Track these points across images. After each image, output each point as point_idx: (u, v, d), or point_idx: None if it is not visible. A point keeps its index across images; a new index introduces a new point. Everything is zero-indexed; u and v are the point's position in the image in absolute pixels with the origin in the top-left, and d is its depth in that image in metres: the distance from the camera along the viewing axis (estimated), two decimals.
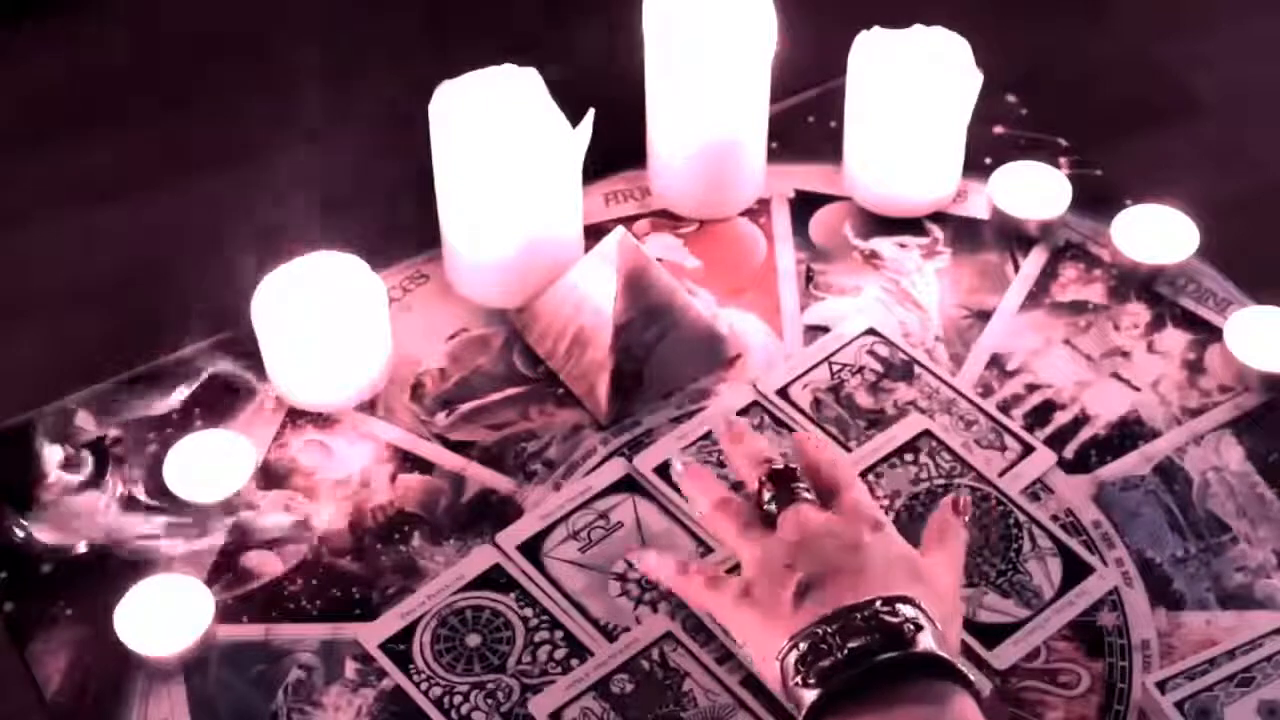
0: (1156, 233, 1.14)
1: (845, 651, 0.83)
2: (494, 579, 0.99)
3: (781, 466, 0.94)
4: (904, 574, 0.87)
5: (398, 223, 1.17)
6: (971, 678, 0.83)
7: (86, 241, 1.43)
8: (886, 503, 1.01)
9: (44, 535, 1.00)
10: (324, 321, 1.05)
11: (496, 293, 1.12)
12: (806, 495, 0.93)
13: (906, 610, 0.84)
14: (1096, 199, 1.17)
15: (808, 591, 0.86)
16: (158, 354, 1.09)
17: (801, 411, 1.07)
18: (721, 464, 1.03)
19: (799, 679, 0.84)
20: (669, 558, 0.96)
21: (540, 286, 1.10)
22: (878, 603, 0.84)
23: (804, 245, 1.17)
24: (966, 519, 0.94)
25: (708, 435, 1.05)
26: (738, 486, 0.99)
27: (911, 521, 1.00)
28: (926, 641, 0.83)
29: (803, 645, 0.84)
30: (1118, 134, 1.42)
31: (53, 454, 1.03)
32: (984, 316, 1.12)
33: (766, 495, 0.93)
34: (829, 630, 0.84)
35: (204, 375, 1.08)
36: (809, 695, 0.83)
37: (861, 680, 0.82)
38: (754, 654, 0.90)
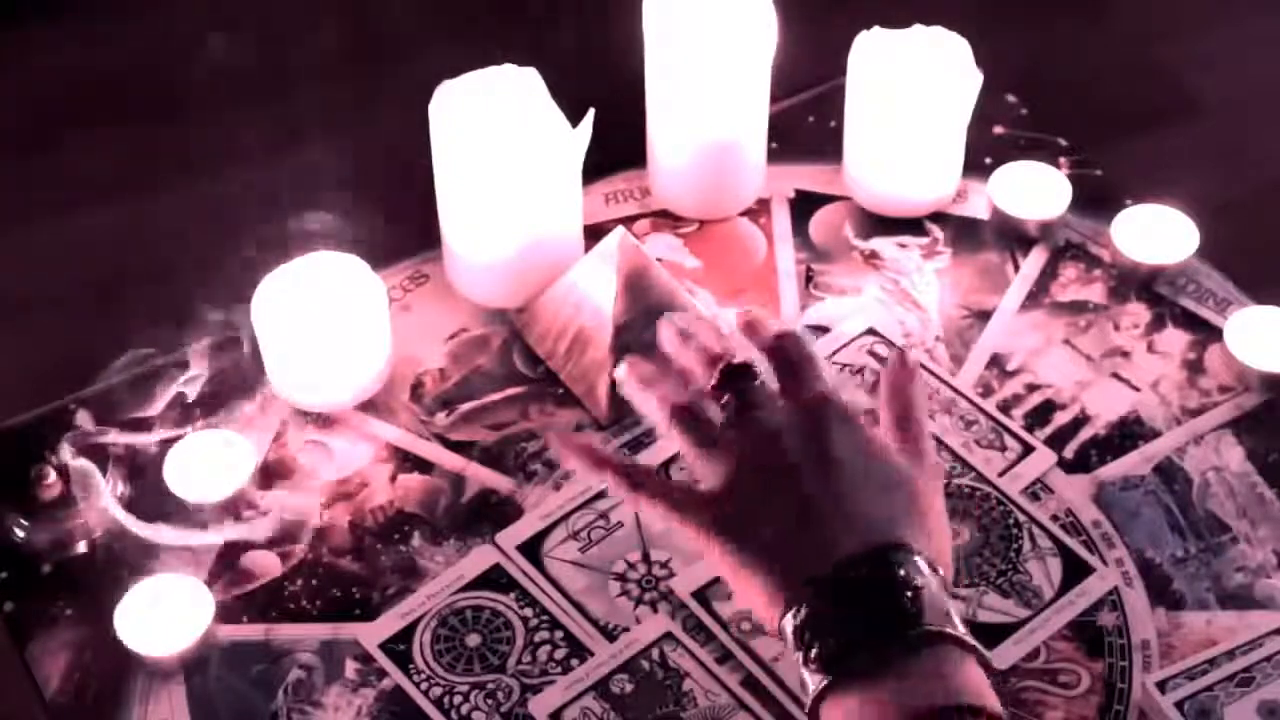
0: (1156, 233, 1.14)
1: (843, 633, 0.77)
2: (494, 579, 0.99)
3: (734, 362, 0.86)
4: (889, 497, 0.80)
5: (398, 223, 1.17)
6: (971, 642, 0.77)
7: (86, 241, 1.43)
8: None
9: (44, 535, 1.00)
10: (324, 321, 1.05)
11: (496, 293, 1.12)
12: (763, 394, 0.85)
13: (901, 565, 0.78)
14: (1096, 199, 1.17)
15: (786, 530, 0.80)
16: (158, 354, 1.09)
17: None
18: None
19: (800, 657, 0.78)
20: (615, 463, 0.86)
21: (540, 286, 1.10)
22: (865, 568, 0.77)
23: (804, 245, 1.17)
24: (914, 371, 0.86)
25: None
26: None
27: None
28: (929, 605, 0.77)
29: (801, 612, 0.78)
30: (1118, 134, 1.42)
31: (52, 454, 1.03)
32: (984, 316, 1.12)
33: (724, 398, 0.86)
34: (824, 601, 0.77)
35: (204, 375, 1.08)
36: (812, 680, 0.78)
37: (864, 666, 0.77)
38: (733, 588, 0.83)
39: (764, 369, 0.87)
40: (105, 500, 1.01)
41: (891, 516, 0.81)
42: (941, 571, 0.80)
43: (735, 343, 0.90)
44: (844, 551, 0.78)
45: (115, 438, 1.05)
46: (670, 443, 1.03)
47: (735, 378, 0.86)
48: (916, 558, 0.79)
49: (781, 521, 0.80)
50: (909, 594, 0.77)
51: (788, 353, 0.87)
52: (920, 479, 0.83)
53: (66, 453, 1.03)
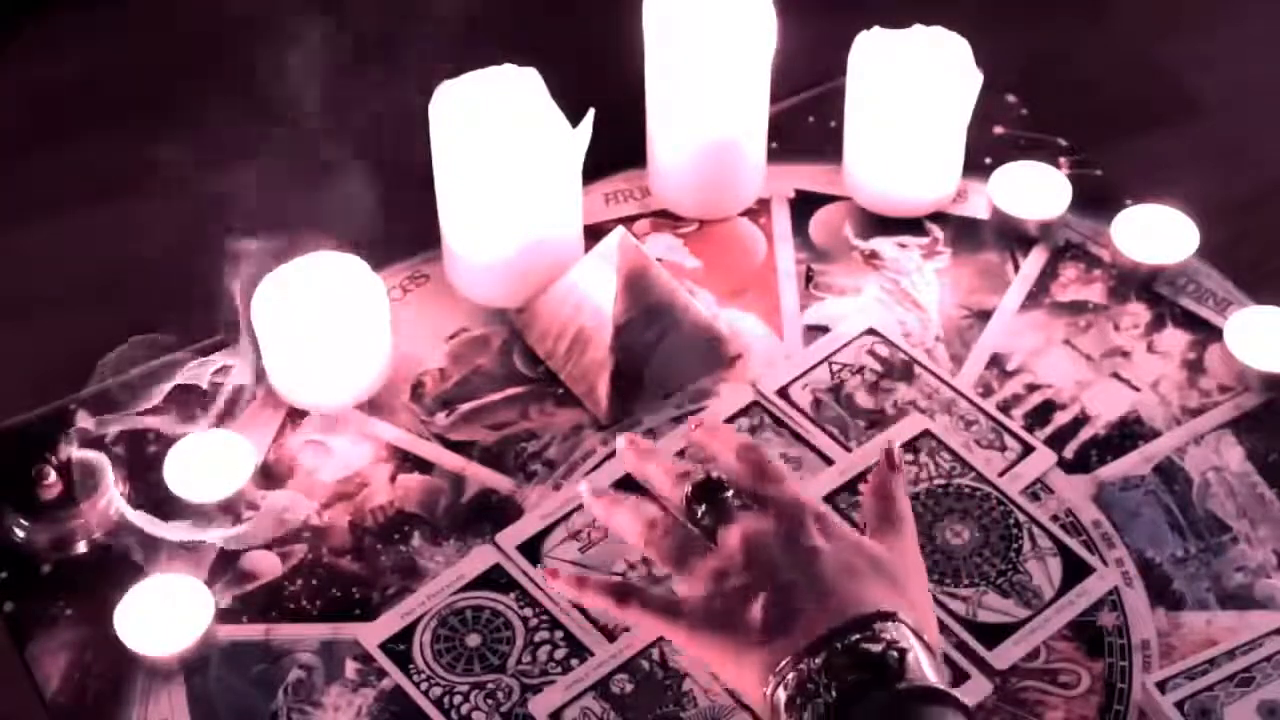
0: (1156, 233, 1.14)
1: (834, 694, 0.79)
2: (494, 579, 0.99)
3: (704, 477, 0.89)
4: (866, 574, 0.83)
5: (398, 223, 1.17)
6: (965, 702, 0.80)
7: (86, 241, 1.43)
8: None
9: (44, 535, 1.00)
10: (324, 321, 1.05)
11: (496, 293, 1.12)
12: (738, 503, 0.88)
13: (887, 631, 0.80)
14: (1096, 199, 1.17)
15: (774, 613, 0.82)
16: (157, 354, 1.09)
17: (801, 411, 1.07)
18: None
19: None
20: (598, 581, 0.89)
21: (540, 286, 1.10)
22: (855, 634, 0.80)
23: (804, 245, 1.17)
24: (900, 469, 0.89)
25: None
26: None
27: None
28: (913, 664, 0.80)
29: (791, 682, 0.80)
30: (1118, 134, 1.42)
31: (52, 454, 1.03)
32: (984, 316, 1.12)
33: (699, 511, 0.88)
34: (812, 667, 0.80)
35: (204, 375, 1.08)
36: None
37: None
38: (729, 681, 0.87)
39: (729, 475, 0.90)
40: (111, 493, 1.01)
41: (877, 595, 0.83)
42: (927, 638, 0.82)
43: (690, 453, 0.95)
44: (830, 625, 0.81)
45: (115, 437, 1.05)
46: (671, 441, 1.04)
47: (707, 491, 0.88)
48: (902, 625, 0.81)
49: (769, 610, 0.82)
50: (895, 654, 0.80)
51: (753, 460, 0.90)
52: (900, 565, 0.86)
53: (73, 443, 1.03)
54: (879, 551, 0.86)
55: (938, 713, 0.79)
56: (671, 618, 0.85)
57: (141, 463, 1.04)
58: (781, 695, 0.80)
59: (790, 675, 0.80)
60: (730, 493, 0.88)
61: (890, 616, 0.81)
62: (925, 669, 0.80)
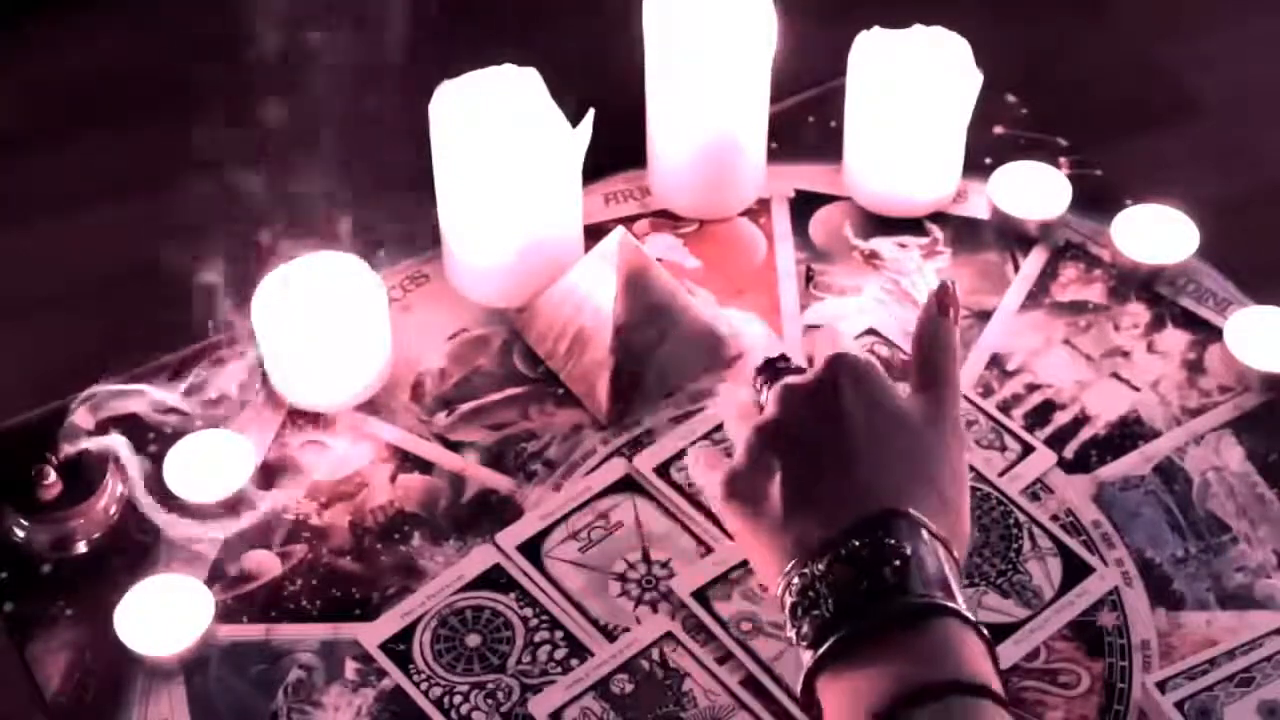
0: (1156, 233, 1.14)
1: (831, 606, 0.75)
2: (494, 579, 0.99)
3: (774, 354, 0.90)
4: (894, 459, 0.79)
5: (398, 223, 1.17)
6: (970, 615, 0.76)
7: (86, 241, 1.43)
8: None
9: (44, 535, 1.00)
10: (324, 321, 1.05)
11: (496, 293, 1.12)
12: (793, 373, 0.87)
13: (897, 532, 0.76)
14: (1096, 199, 1.17)
15: (790, 492, 0.79)
16: (157, 354, 1.09)
17: None
18: (729, 455, 1.03)
19: (794, 633, 0.78)
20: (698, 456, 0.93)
21: (540, 286, 1.10)
22: (861, 538, 0.76)
23: (804, 245, 1.17)
24: (957, 309, 0.84)
25: (708, 435, 1.05)
26: None
27: None
28: (923, 576, 0.76)
29: (795, 586, 0.77)
30: (1118, 134, 1.42)
31: (53, 454, 1.03)
32: (984, 316, 1.12)
33: (758, 384, 0.90)
34: (816, 573, 0.76)
35: (204, 375, 1.08)
36: (805, 656, 0.77)
37: (852, 638, 0.75)
38: (755, 566, 0.84)
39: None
40: (105, 500, 1.01)
41: (897, 483, 0.79)
42: (944, 532, 0.78)
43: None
44: (842, 520, 0.77)
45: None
46: (671, 441, 1.04)
47: (768, 365, 0.90)
48: (917, 527, 0.77)
49: (789, 489, 0.80)
50: (897, 563, 0.76)
51: (818, 340, 0.91)
52: (936, 441, 0.81)
53: (66, 452, 1.03)
54: (913, 423, 0.81)
55: (940, 626, 0.75)
56: (710, 484, 0.85)
57: (141, 462, 1.04)
58: (788, 600, 0.78)
59: (795, 579, 0.78)
60: (793, 367, 0.87)
61: (907, 517, 0.77)
62: (929, 574, 0.76)
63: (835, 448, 0.80)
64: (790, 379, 0.85)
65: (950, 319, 0.84)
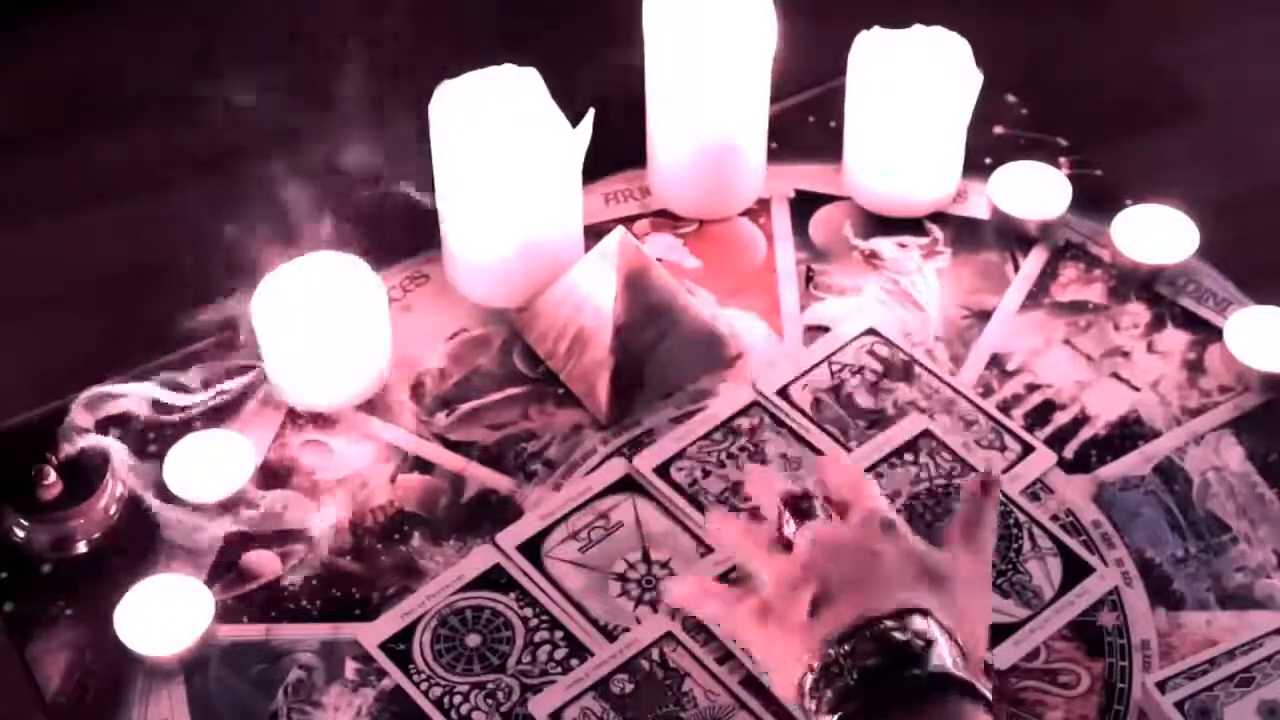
0: (1156, 233, 1.14)
1: (855, 675, 0.81)
2: (494, 579, 0.99)
3: (798, 491, 0.93)
4: (915, 578, 0.85)
5: (399, 222, 1.17)
6: (985, 692, 0.82)
7: (87, 241, 1.43)
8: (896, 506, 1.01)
9: (44, 535, 1.00)
10: (324, 321, 1.05)
11: (496, 293, 1.12)
12: (820, 513, 0.91)
13: (916, 623, 0.82)
14: (1096, 199, 1.17)
15: (821, 606, 0.85)
16: (157, 354, 1.09)
17: (801, 411, 1.07)
18: (722, 464, 1.03)
19: (814, 704, 0.82)
20: (689, 580, 0.94)
21: (540, 286, 1.10)
22: (886, 621, 0.82)
23: (804, 245, 1.17)
24: (998, 492, 0.92)
25: (708, 435, 1.05)
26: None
27: (911, 521, 1.00)
28: (939, 657, 0.81)
29: (816, 667, 0.83)
30: (1118, 134, 1.42)
31: (53, 454, 1.03)
32: (984, 316, 1.12)
33: (785, 518, 0.92)
34: (841, 651, 0.82)
35: (204, 375, 1.08)
36: None
37: (873, 706, 0.81)
38: (772, 674, 0.88)
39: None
40: (105, 500, 1.01)
41: (918, 595, 0.85)
42: (963, 644, 0.83)
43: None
44: (864, 614, 0.83)
45: (115, 437, 1.05)
46: (671, 441, 1.04)
47: (795, 502, 0.92)
48: (934, 622, 0.83)
49: (815, 600, 0.85)
50: (919, 642, 0.82)
51: (841, 482, 0.93)
52: (963, 591, 0.87)
53: (66, 452, 1.03)
54: (939, 562, 0.87)
55: (954, 700, 0.81)
56: (735, 613, 0.89)
57: (141, 463, 1.04)
58: (808, 681, 0.83)
59: (818, 661, 0.82)
60: (818, 504, 0.91)
61: (925, 613, 0.83)
62: (946, 660, 0.81)
63: (863, 575, 0.86)
64: (822, 525, 0.90)
65: (992, 499, 0.92)
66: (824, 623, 0.84)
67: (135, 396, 1.06)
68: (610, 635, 0.96)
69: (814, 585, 0.85)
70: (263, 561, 1.00)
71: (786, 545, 0.90)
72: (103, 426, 1.05)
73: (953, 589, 0.86)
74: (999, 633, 0.96)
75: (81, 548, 1.01)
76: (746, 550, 0.92)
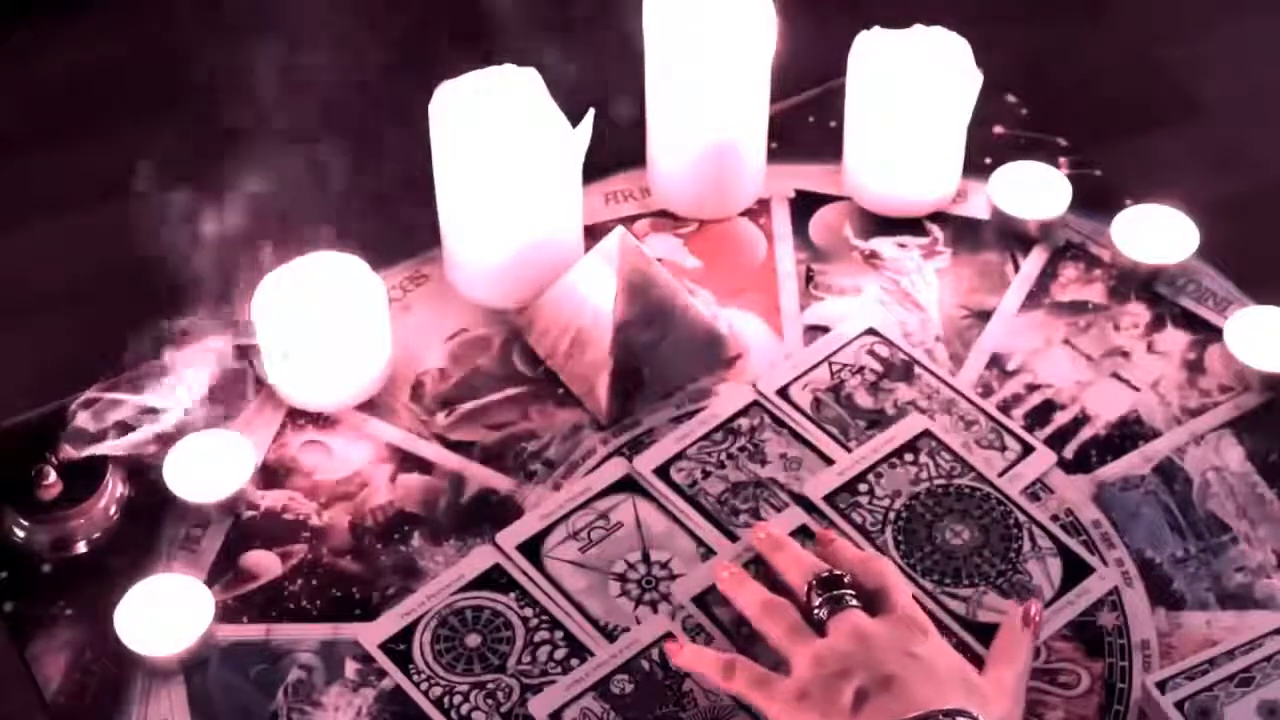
0: (1156, 233, 1.14)
1: None
2: (494, 579, 0.99)
3: (829, 574, 0.93)
4: (957, 686, 0.87)
5: (398, 223, 1.17)
6: None
7: (86, 241, 1.43)
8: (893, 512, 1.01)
9: (44, 535, 1.00)
10: (324, 321, 1.05)
11: (496, 293, 1.12)
12: (854, 602, 0.92)
13: (952, 714, 0.85)
14: (1096, 199, 1.17)
15: (864, 700, 0.86)
16: (157, 354, 1.09)
17: (801, 411, 1.07)
18: (722, 464, 1.03)
19: None
20: (709, 655, 0.93)
21: (540, 286, 1.10)
22: (939, 716, 0.85)
23: (804, 245, 1.17)
24: (1036, 630, 0.93)
25: (708, 435, 1.05)
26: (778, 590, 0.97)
27: (911, 521, 1.00)
28: None
29: None
30: (1118, 134, 1.42)
31: (53, 454, 1.03)
32: (984, 316, 1.12)
33: (816, 601, 0.92)
34: None
35: (204, 375, 1.08)
36: None
37: None
38: None
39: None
40: (105, 500, 1.01)
41: (956, 698, 0.86)
42: None
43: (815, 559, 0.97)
44: (903, 713, 0.85)
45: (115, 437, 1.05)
46: (671, 441, 1.04)
47: (828, 585, 0.93)
48: (976, 718, 0.85)
49: (859, 695, 0.87)
50: None
51: (875, 571, 0.94)
52: (993, 688, 0.89)
53: (66, 452, 1.03)
54: (972, 674, 0.89)
55: None
56: (769, 691, 0.89)
57: (142, 463, 1.04)
58: None
59: None
60: (850, 592, 0.92)
61: (969, 714, 0.85)
62: None
63: (905, 676, 0.87)
64: (860, 618, 0.91)
65: (1031, 633, 0.93)
66: (868, 716, 0.85)
67: (135, 397, 1.06)
68: (610, 635, 0.96)
69: (859, 677, 0.87)
70: (263, 561, 1.00)
71: (814, 623, 0.92)
72: (102, 428, 1.05)
73: (987, 700, 0.88)
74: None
75: (81, 548, 1.01)
76: (771, 627, 0.93)
